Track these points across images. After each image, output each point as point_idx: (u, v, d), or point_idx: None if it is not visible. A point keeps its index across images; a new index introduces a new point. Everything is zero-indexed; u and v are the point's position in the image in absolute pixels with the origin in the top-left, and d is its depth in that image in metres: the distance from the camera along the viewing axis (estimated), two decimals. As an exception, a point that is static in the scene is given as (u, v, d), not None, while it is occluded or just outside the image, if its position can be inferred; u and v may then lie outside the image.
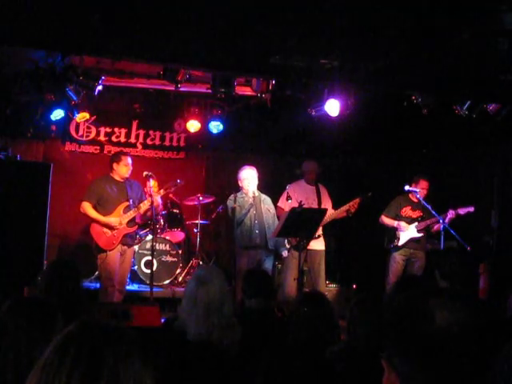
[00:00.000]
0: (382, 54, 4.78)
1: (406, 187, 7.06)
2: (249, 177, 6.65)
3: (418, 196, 6.97)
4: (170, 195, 7.77)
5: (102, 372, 1.16)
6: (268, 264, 6.61)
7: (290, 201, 6.54)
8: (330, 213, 6.80)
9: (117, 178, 6.47)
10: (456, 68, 5.00)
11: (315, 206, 6.82)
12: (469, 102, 5.96)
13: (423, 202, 6.92)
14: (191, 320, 2.88)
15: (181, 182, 6.79)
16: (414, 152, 8.22)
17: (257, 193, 6.67)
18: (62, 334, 1.24)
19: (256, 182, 6.68)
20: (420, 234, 7.07)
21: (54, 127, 7.87)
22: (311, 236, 6.55)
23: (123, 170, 6.44)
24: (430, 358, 1.28)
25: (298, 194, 6.75)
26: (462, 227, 6.72)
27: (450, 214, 6.74)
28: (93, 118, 7.82)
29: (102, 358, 1.18)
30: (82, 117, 7.05)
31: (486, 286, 6.85)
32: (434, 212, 6.80)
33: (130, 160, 6.50)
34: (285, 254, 6.77)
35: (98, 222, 6.31)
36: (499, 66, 4.94)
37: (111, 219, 6.31)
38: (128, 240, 6.51)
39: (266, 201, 6.78)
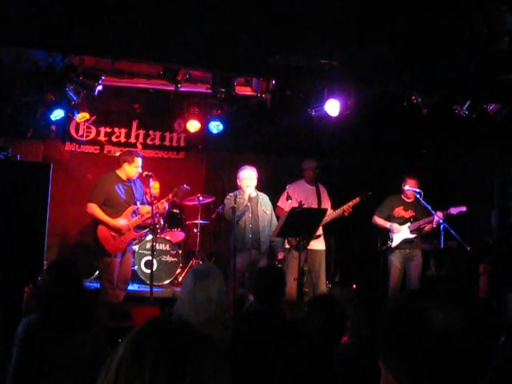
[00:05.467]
0: (381, 54, 4.78)
1: (406, 187, 7.05)
2: (248, 177, 6.51)
3: (418, 196, 6.95)
4: (170, 195, 7.75)
5: (186, 371, 1.10)
6: (262, 264, 6.46)
7: (290, 201, 6.54)
8: (330, 213, 6.80)
9: (123, 177, 6.29)
10: (456, 68, 4.99)
11: (315, 205, 6.81)
12: (469, 102, 5.96)
13: (423, 202, 6.90)
14: (190, 315, 2.87)
15: (187, 187, 6.68)
16: (414, 152, 8.21)
17: (254, 194, 6.56)
18: (135, 332, 1.16)
19: (255, 182, 6.54)
20: (413, 235, 7.04)
21: (54, 127, 7.87)
22: (311, 236, 6.55)
23: (133, 171, 6.28)
24: (425, 360, 1.28)
25: (298, 194, 6.74)
26: (462, 227, 6.71)
27: (437, 216, 6.72)
28: (93, 118, 7.82)
29: (184, 357, 1.11)
30: (82, 117, 7.05)
31: (486, 286, 6.85)
32: (433, 212, 6.79)
33: (141, 162, 6.33)
34: (280, 255, 6.73)
35: (106, 224, 6.14)
36: (499, 66, 4.93)
37: (121, 222, 6.17)
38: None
39: (264, 201, 6.63)
